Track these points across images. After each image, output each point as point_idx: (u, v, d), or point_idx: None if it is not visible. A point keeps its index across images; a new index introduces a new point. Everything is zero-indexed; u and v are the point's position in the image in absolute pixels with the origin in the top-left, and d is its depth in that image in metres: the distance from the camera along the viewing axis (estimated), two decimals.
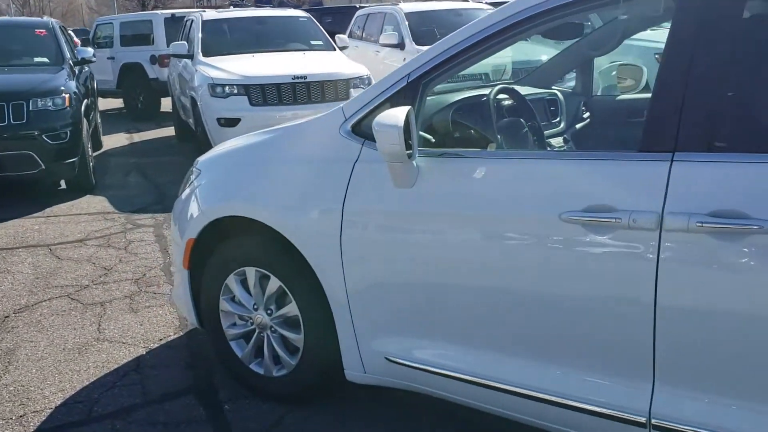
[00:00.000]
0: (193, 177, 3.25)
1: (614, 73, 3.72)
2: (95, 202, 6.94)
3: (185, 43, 8.53)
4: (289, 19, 9.13)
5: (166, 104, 14.02)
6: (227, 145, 3.28)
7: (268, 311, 2.96)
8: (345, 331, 2.69)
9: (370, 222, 2.51)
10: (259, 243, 2.91)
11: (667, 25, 2.06)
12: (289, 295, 2.85)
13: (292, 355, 2.95)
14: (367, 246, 2.53)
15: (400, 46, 9.69)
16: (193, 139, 10.29)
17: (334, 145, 2.64)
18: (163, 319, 4.01)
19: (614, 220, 1.97)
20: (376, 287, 2.54)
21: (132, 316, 4.07)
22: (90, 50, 8.60)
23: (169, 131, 11.53)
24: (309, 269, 2.73)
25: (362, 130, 2.59)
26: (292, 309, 2.86)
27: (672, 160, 1.93)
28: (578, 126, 2.98)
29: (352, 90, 7.62)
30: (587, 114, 3.23)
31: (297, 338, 2.89)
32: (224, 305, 3.08)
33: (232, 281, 3.02)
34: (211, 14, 9.06)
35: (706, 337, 1.89)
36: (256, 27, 8.87)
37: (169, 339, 3.75)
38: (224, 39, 8.58)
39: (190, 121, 8.82)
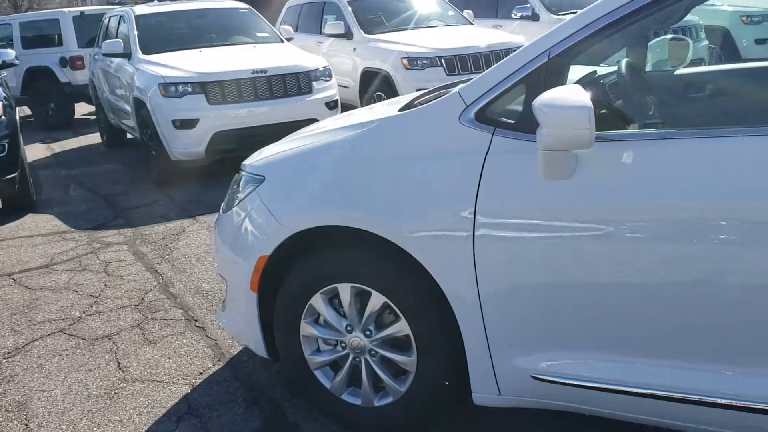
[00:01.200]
0: (245, 185, 2.81)
1: (663, 48, 3.51)
2: (43, 221, 6.21)
3: (120, 41, 7.80)
4: (229, 11, 8.58)
5: (80, 110, 13.04)
6: (286, 145, 2.85)
7: (367, 332, 2.58)
8: (476, 350, 2.35)
9: (513, 222, 2.18)
10: (358, 255, 2.52)
11: None
12: (397, 311, 2.48)
13: (398, 380, 2.58)
14: (508, 250, 2.19)
15: (347, 35, 9.29)
16: (128, 146, 9.55)
17: (455, 136, 2.29)
18: (191, 349, 3.52)
19: None
20: (521, 296, 2.22)
21: (152, 348, 3.56)
22: (11, 52, 7.73)
23: (93, 139, 10.68)
24: (425, 281, 2.38)
25: (489, 117, 2.25)
26: (400, 327, 2.49)
27: None
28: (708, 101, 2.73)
29: (314, 83, 7.20)
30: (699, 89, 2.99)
31: (407, 361, 2.53)
32: (307, 329, 2.68)
33: (318, 301, 2.62)
34: (143, 9, 8.36)
35: None
36: (195, 21, 8.26)
37: (211, 371, 3.28)
38: (163, 35, 7.93)
39: (128, 124, 8.12)
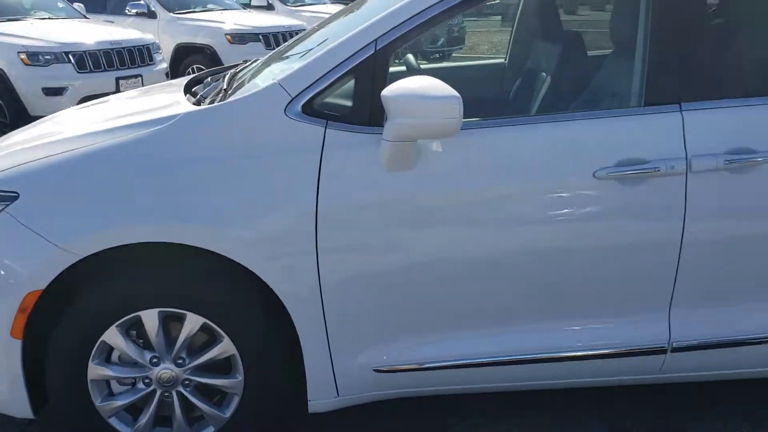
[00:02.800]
0: None
1: None
2: None
3: None
4: None
5: None
6: (41, 150, 2.27)
7: (179, 361, 2.24)
8: (316, 355, 2.23)
9: (357, 217, 2.12)
10: (167, 274, 2.16)
11: None
12: (219, 332, 2.20)
13: (220, 406, 2.30)
14: (352, 247, 2.13)
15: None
16: None
17: (284, 131, 2.12)
18: None
19: (653, 170, 2.12)
20: (366, 291, 2.17)
21: None
22: None
23: None
24: (253, 293, 2.18)
25: (319, 110, 2.14)
26: (224, 348, 2.23)
27: (681, 111, 2.16)
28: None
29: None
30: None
31: (231, 383, 2.27)
32: (97, 371, 2.21)
33: (113, 335, 2.18)
34: None
35: (728, 262, 2.21)
36: None
37: None
38: None
39: None
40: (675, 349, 2.29)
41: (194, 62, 9.48)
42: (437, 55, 12.01)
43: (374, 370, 2.27)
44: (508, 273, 2.19)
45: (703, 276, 2.23)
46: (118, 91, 7.46)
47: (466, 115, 2.01)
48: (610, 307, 2.27)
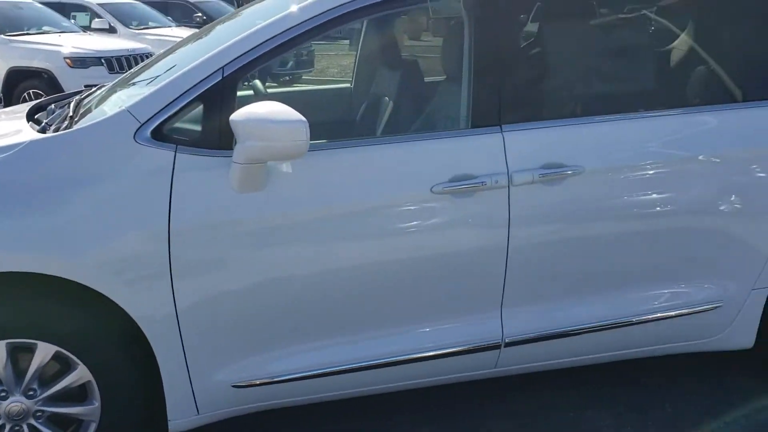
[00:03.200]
0: None
1: None
2: None
3: None
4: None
5: None
6: None
7: (30, 393, 2.20)
8: (174, 375, 2.27)
9: (209, 238, 2.20)
10: (14, 305, 2.12)
11: None
12: (73, 359, 2.19)
13: None
14: (206, 267, 2.21)
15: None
16: None
17: (134, 156, 2.16)
18: None
19: (480, 184, 2.36)
20: (221, 310, 2.25)
21: None
22: None
23: None
24: (107, 318, 2.20)
25: (168, 135, 2.21)
26: (79, 376, 2.22)
27: (502, 132, 2.43)
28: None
29: None
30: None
31: (87, 410, 2.26)
32: None
33: None
34: None
35: (550, 264, 2.50)
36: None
37: None
38: None
39: None
40: (508, 344, 2.55)
41: (30, 87, 9.00)
42: (287, 78, 12.23)
43: (232, 386, 2.35)
44: (353, 286, 2.35)
45: (529, 277, 2.51)
46: None
47: (315, 137, 2.16)
48: (448, 311, 2.48)
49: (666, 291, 2.67)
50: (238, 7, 10.32)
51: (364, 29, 3.67)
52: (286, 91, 4.51)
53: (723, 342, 2.82)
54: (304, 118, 2.08)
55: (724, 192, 2.62)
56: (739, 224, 2.65)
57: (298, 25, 2.31)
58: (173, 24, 13.50)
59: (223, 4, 16.40)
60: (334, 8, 2.33)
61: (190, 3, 15.71)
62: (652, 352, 2.81)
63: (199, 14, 14.86)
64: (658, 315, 2.66)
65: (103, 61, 9.06)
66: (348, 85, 3.94)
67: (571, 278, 2.56)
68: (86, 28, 11.45)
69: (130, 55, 9.38)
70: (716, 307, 2.72)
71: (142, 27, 12.56)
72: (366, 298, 2.37)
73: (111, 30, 11.73)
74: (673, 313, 2.68)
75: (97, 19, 11.80)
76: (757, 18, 2.71)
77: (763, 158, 2.64)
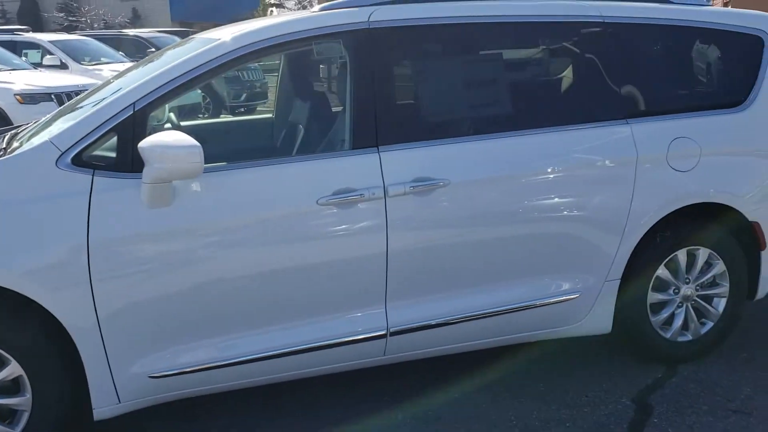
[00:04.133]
0: None
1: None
2: None
3: None
4: None
5: None
6: None
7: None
8: (96, 369, 2.63)
9: (123, 247, 2.58)
10: None
11: None
12: (6, 356, 2.54)
13: (10, 425, 2.61)
14: (121, 271, 2.58)
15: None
16: None
17: (57, 180, 2.54)
18: None
19: (359, 196, 2.78)
20: (135, 310, 2.62)
21: None
22: None
23: None
24: (36, 319, 2.56)
25: (86, 161, 2.59)
26: (11, 371, 2.56)
27: (379, 152, 2.87)
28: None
29: None
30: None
31: (20, 401, 2.60)
32: None
33: None
34: None
35: (426, 263, 2.92)
36: None
37: None
38: None
39: None
40: (393, 333, 2.95)
41: None
42: (242, 109, 12.70)
43: (149, 377, 2.71)
44: (253, 286, 2.74)
45: (408, 276, 2.92)
46: None
47: (237, 160, 2.58)
48: (340, 306, 2.88)
49: (530, 284, 3.11)
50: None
51: (280, 68, 4.10)
52: (219, 122, 4.94)
53: (584, 328, 3.27)
54: (198, 144, 2.48)
55: (573, 200, 3.09)
56: (587, 228, 3.11)
57: (195, 68, 2.73)
58: (126, 59, 13.85)
59: (176, 38, 16.80)
60: (223, 54, 2.77)
61: (143, 39, 16.10)
62: (524, 339, 3.24)
63: (152, 49, 15.23)
64: (525, 305, 3.10)
65: (53, 96, 9.37)
66: (271, 115, 4.36)
67: (446, 275, 2.99)
68: (38, 65, 11.75)
69: (80, 90, 9.72)
70: (575, 298, 3.17)
71: (94, 63, 12.90)
72: (264, 296, 2.77)
73: (63, 66, 12.04)
74: (537, 303, 3.12)
75: (48, 56, 12.11)
76: (594, 58, 3.21)
77: (603, 172, 3.12)
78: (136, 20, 34.28)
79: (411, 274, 2.94)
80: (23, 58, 11.57)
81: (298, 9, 28.40)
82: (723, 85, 3.49)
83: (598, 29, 3.25)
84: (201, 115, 11.23)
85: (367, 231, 2.84)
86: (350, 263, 2.84)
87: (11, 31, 13.83)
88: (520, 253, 3.06)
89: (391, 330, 2.95)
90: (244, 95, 12.95)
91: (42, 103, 9.14)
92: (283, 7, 31.63)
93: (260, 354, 2.80)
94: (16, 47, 12.18)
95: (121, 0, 35.93)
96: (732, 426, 2.92)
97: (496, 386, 3.27)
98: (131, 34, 17.47)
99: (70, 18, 30.80)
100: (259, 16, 27.69)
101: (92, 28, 26.63)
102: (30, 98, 9.17)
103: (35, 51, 12.25)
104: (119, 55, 14.05)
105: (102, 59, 13.15)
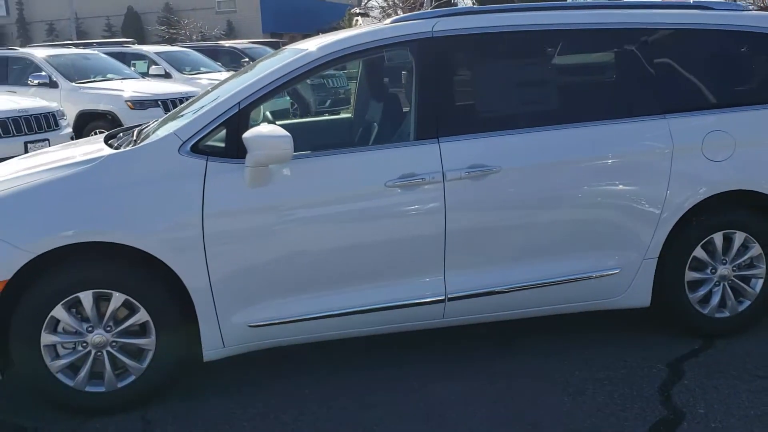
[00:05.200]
0: None
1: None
2: None
3: None
4: None
5: None
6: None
7: (108, 328, 3.19)
8: (207, 319, 3.23)
9: (230, 219, 3.18)
10: (98, 265, 3.13)
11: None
12: (137, 305, 3.18)
13: (138, 360, 3.25)
14: (229, 239, 3.18)
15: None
16: None
17: (179, 164, 3.17)
18: None
19: (421, 180, 3.29)
20: (238, 272, 3.21)
21: None
22: None
23: None
24: (161, 275, 3.17)
25: (202, 149, 3.21)
26: (140, 317, 3.19)
27: (439, 142, 3.37)
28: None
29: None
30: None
31: (147, 342, 3.23)
32: (48, 339, 3.12)
33: (60, 311, 3.10)
34: None
35: (480, 239, 3.40)
36: None
37: None
38: None
39: None
40: (450, 299, 3.44)
41: (97, 127, 10.31)
42: (326, 114, 13.50)
43: (248, 326, 3.30)
44: (336, 254, 3.29)
45: (464, 249, 3.40)
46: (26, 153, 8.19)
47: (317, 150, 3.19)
48: (406, 273, 3.39)
49: (573, 260, 3.53)
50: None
51: (359, 73, 4.65)
52: (310, 121, 5.58)
53: (625, 301, 3.65)
54: (288, 134, 3.06)
55: (616, 186, 3.49)
56: (628, 211, 3.51)
57: (287, 73, 3.32)
58: (222, 69, 14.87)
59: (268, 49, 17.79)
60: (311, 62, 3.35)
61: (238, 50, 17.16)
62: (570, 309, 3.65)
63: (246, 59, 16.23)
64: (569, 278, 3.52)
65: (159, 102, 10.31)
66: (350, 114, 4.93)
67: (498, 250, 3.45)
68: (145, 75, 12.84)
69: (183, 97, 10.64)
70: (616, 273, 3.57)
71: (194, 72, 13.96)
72: (341, 262, 3.31)
73: (167, 76, 13.11)
74: (580, 276, 3.54)
75: (154, 66, 13.21)
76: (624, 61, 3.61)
77: (642, 161, 3.51)
78: (230, 32, 36.06)
79: (467, 248, 3.41)
80: (132, 68, 12.69)
81: (383, 17, 29.19)
82: (759, 83, 3.80)
83: (640, 34, 3.64)
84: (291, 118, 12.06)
85: (428, 210, 3.34)
86: (414, 237, 3.35)
87: (120, 44, 15.10)
88: (563, 232, 3.49)
89: (449, 296, 3.44)
90: (328, 101, 13.78)
91: (150, 109, 10.07)
92: (368, 16, 32.51)
93: (337, 311, 3.34)
94: (125, 58, 13.35)
95: (216, 13, 37.89)
96: (755, 388, 3.25)
97: (550, 349, 3.70)
98: (227, 45, 18.66)
99: (171, 31, 32.70)
100: (345, 26, 28.68)
101: (191, 40, 28.27)
102: (139, 104, 10.13)
103: (142, 62, 13.40)
104: (216, 65, 15.08)
105: (201, 69, 14.20)
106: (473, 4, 46.88)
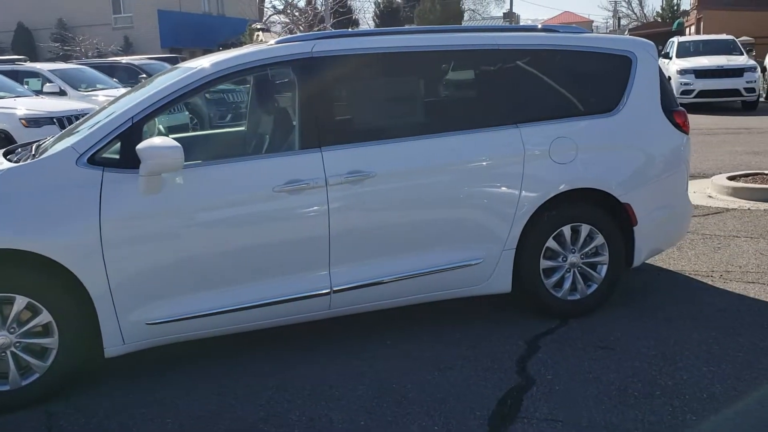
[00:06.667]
0: None
1: None
2: None
3: None
4: None
5: None
6: None
7: (11, 330, 3.39)
8: (107, 318, 3.48)
9: (126, 224, 3.45)
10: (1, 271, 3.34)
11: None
12: (40, 307, 3.39)
13: (41, 359, 3.46)
14: (125, 243, 3.46)
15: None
16: None
17: (76, 175, 3.43)
18: None
19: (306, 185, 3.67)
20: (136, 272, 3.49)
21: None
22: None
23: None
24: (62, 278, 3.41)
25: (98, 161, 3.48)
26: (43, 318, 3.41)
27: (321, 151, 3.76)
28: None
29: None
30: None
31: (50, 341, 3.45)
32: None
33: None
34: None
35: (360, 237, 3.80)
36: None
37: None
38: None
39: None
40: (335, 291, 3.82)
41: None
42: (224, 127, 13.75)
43: (146, 324, 3.57)
44: (227, 255, 3.63)
45: (346, 246, 3.81)
46: None
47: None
48: (295, 270, 3.76)
49: (441, 253, 4.00)
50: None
51: (250, 90, 4.99)
52: (204, 133, 5.87)
53: (489, 287, 4.15)
54: (179, 145, 3.37)
55: (477, 187, 3.99)
56: (488, 209, 4.02)
57: (179, 89, 3.64)
58: (119, 85, 14.78)
59: (166, 64, 17.75)
60: (202, 77, 3.68)
61: (135, 65, 17.05)
62: (442, 296, 4.12)
63: (144, 75, 16.15)
64: (438, 269, 3.99)
65: (55, 120, 10.25)
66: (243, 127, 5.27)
67: (376, 247, 3.87)
68: (39, 92, 12.65)
69: (79, 114, 10.61)
70: (480, 263, 4.06)
71: (90, 89, 13.83)
72: (235, 263, 3.65)
73: (62, 93, 12.96)
74: (450, 267, 4.01)
75: (48, 84, 13.02)
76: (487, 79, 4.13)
77: (498, 165, 4.03)
78: (128, 48, 35.32)
79: (349, 245, 3.82)
80: (25, 86, 12.48)
81: (285, 33, 29.47)
82: (597, 95, 4.41)
83: (494, 55, 4.17)
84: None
85: (313, 211, 3.73)
86: (300, 236, 3.73)
87: (12, 62, 14.76)
88: (433, 228, 3.96)
89: (334, 288, 3.83)
90: (229, 115, 14.02)
91: (45, 126, 10.00)
92: (269, 32, 32.69)
93: (230, 308, 3.67)
94: (18, 76, 13.09)
95: (113, 29, 37.06)
96: (596, 356, 3.80)
97: (423, 333, 4.14)
98: (124, 61, 18.48)
99: (65, 47, 31.76)
100: (246, 41, 28.74)
101: (87, 57, 27.58)
102: (34, 122, 10.04)
103: (36, 79, 13.18)
104: (113, 81, 14.97)
105: (97, 86, 14.09)
106: (375, 22, 47.90)
